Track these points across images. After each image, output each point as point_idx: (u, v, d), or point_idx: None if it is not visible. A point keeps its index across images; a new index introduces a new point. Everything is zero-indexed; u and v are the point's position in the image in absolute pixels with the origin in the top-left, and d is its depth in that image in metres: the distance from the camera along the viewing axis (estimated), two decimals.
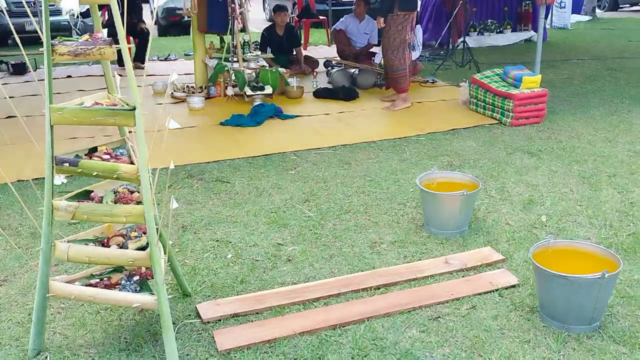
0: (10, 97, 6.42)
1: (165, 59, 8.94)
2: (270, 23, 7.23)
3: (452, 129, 4.85)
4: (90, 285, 2.17)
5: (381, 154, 4.31)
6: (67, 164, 2.00)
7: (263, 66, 6.08)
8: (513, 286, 2.55)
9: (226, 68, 5.98)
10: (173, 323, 2.36)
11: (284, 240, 3.05)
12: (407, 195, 3.55)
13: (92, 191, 2.18)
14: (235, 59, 6.03)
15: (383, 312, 2.38)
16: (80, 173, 2.03)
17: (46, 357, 2.17)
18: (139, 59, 8.29)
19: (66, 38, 1.95)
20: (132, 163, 2.10)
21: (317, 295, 2.51)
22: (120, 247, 2.15)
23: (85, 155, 2.10)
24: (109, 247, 2.14)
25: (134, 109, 1.98)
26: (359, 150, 4.42)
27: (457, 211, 2.97)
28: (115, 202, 2.12)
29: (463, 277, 2.65)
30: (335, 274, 2.71)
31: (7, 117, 5.56)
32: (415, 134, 4.76)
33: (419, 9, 6.79)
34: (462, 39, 7.45)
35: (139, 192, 2.16)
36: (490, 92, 5.01)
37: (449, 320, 2.33)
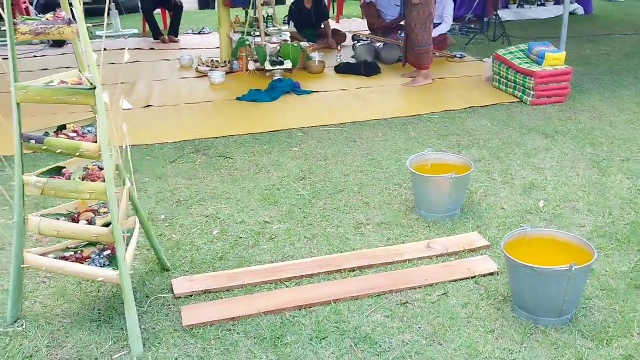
0: (44, 70, 6.65)
1: (199, 33, 9.00)
2: None
3: (469, 107, 4.71)
4: (64, 258, 2.25)
5: (389, 132, 4.24)
6: (33, 141, 2.06)
7: (285, 41, 6.04)
8: (492, 274, 2.49)
9: (247, 42, 5.97)
10: (147, 296, 2.44)
11: (272, 218, 3.06)
12: (405, 176, 3.49)
13: (65, 167, 2.24)
14: (257, 34, 6.01)
15: (352, 295, 2.37)
16: (45, 150, 2.08)
17: (22, 325, 2.27)
18: (173, 32, 8.39)
19: (28, 18, 1.99)
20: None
21: (290, 275, 2.52)
22: (89, 223, 2.21)
23: (54, 132, 2.15)
24: (78, 222, 2.21)
25: (94, 88, 2.00)
26: (368, 128, 4.36)
27: (447, 194, 2.90)
28: (84, 179, 2.17)
29: (443, 262, 2.60)
30: (314, 254, 2.71)
31: None
32: (429, 111, 4.65)
33: None
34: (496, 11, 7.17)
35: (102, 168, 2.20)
36: (513, 69, 4.83)
37: (417, 307, 2.30)
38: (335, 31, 7.45)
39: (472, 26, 7.70)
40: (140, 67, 6.67)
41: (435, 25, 6.55)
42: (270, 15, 6.25)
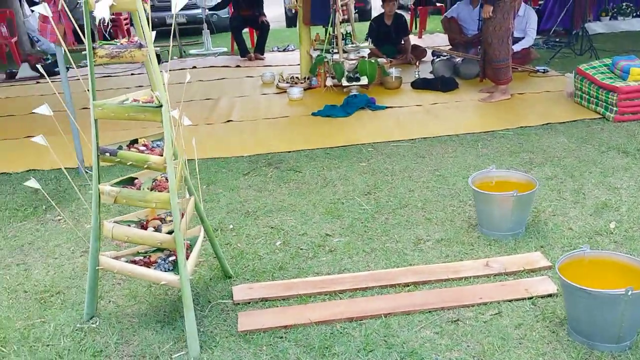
0: (138, 86, 7.14)
1: (284, 50, 9.30)
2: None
3: (546, 123, 4.57)
4: (134, 261, 2.44)
5: (459, 149, 4.20)
6: (108, 154, 2.27)
7: (362, 57, 6.13)
8: (550, 295, 2.42)
9: (325, 59, 6.12)
10: (209, 301, 2.59)
11: (333, 231, 3.13)
12: (470, 193, 3.44)
13: (137, 178, 2.44)
14: (335, 51, 6.15)
15: (403, 309, 2.39)
16: (118, 162, 2.28)
17: (96, 322, 2.48)
18: (259, 50, 8.74)
19: (105, 42, 2.20)
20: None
21: (344, 287, 2.58)
22: (156, 230, 2.38)
23: (127, 146, 2.35)
24: (146, 229, 2.39)
25: (161, 106, 2.17)
26: (438, 143, 4.34)
27: (509, 212, 2.85)
28: (152, 189, 2.36)
29: (500, 281, 2.56)
30: (371, 268, 2.75)
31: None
32: (503, 127, 4.55)
33: None
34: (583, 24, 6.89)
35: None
36: (595, 84, 4.63)
37: (468, 325, 2.29)
38: (415, 47, 7.46)
39: (558, 40, 7.43)
40: (226, 84, 7.01)
41: (518, 39, 6.44)
42: (349, 32, 6.37)
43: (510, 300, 2.41)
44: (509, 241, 2.88)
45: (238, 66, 8.12)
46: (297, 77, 6.60)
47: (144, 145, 2.35)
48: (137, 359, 2.24)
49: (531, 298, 2.41)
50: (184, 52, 9.39)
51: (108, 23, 2.05)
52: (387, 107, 5.40)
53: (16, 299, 2.69)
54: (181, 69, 8.19)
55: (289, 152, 4.41)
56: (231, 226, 3.28)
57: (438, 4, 9.18)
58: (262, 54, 8.74)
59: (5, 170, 4.29)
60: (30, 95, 6.63)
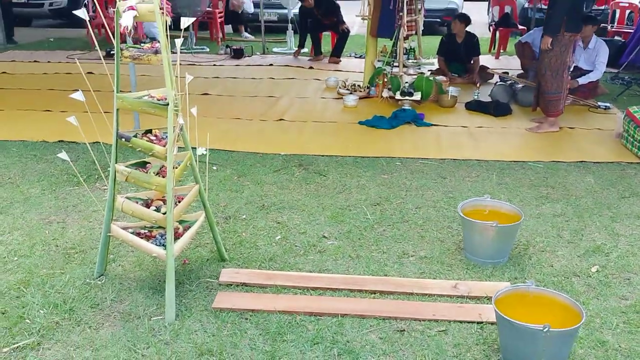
0: (215, 77, 7.69)
1: (360, 57, 9.55)
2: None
3: (580, 161, 4.55)
4: (138, 234, 2.83)
5: (483, 174, 4.30)
6: (124, 139, 2.67)
7: (422, 73, 6.29)
8: None
9: (384, 71, 6.34)
10: (198, 278, 2.93)
11: (331, 234, 3.39)
12: None
13: (149, 163, 2.83)
14: (396, 64, 6.35)
15: (359, 313, 2.62)
16: (131, 147, 2.67)
17: (102, 280, 2.90)
18: (336, 54, 9.06)
19: (132, 45, 2.59)
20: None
21: (316, 285, 2.84)
22: (157, 209, 2.76)
23: (142, 134, 2.74)
24: (149, 207, 2.77)
25: (167, 104, 2.53)
26: (465, 167, 4.46)
27: (490, 241, 2.98)
28: (157, 174, 2.73)
29: (460, 303, 2.72)
30: (349, 272, 2.99)
31: (203, 94, 6.71)
32: (535, 159, 4.59)
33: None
34: None
35: (175, 167, 2.74)
36: (639, 127, 4.55)
37: (412, 337, 2.48)
38: (483, 67, 7.48)
39: (627, 77, 7.18)
40: (293, 84, 7.39)
41: (586, 72, 6.33)
42: (413, 48, 6.54)
43: (460, 321, 2.57)
44: (487, 268, 3.01)
45: (311, 67, 8.48)
46: (359, 85, 6.85)
47: (155, 135, 2.72)
48: (124, 316, 2.63)
49: (481, 323, 2.56)
50: (267, 49, 9.89)
51: (131, 30, 2.42)
52: (432, 125, 5.54)
53: (47, 251, 3.18)
54: (259, 65, 8.69)
55: (322, 155, 4.69)
56: (244, 216, 3.62)
57: (520, 27, 9.06)
58: (339, 58, 9.05)
59: (74, 139, 4.88)
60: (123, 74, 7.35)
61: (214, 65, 8.63)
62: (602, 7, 10.21)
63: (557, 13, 4.98)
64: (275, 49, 10.07)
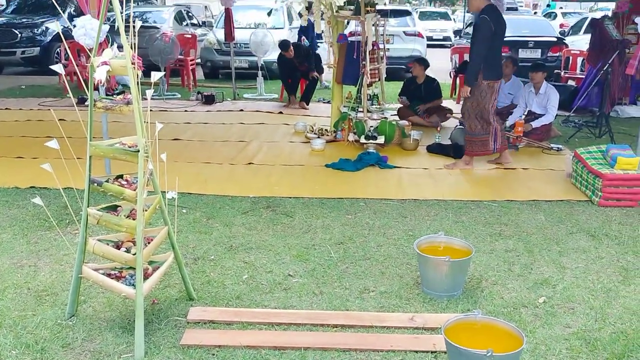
0: (187, 123, 7.88)
1: (328, 102, 9.87)
2: None
3: (533, 200, 4.82)
4: (109, 274, 2.95)
5: (441, 213, 4.53)
6: (96, 184, 2.82)
7: (385, 118, 6.59)
8: None
9: (349, 116, 6.62)
10: (166, 317, 3.05)
11: (296, 272, 3.55)
12: None
13: (120, 206, 2.97)
14: (360, 109, 6.64)
15: (321, 346, 2.76)
16: (102, 192, 2.82)
17: (73, 320, 2.99)
18: (305, 99, 9.37)
19: (104, 97, 2.78)
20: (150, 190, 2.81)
21: (281, 320, 2.98)
22: (127, 251, 2.89)
23: (114, 179, 2.89)
24: (119, 249, 2.90)
25: (138, 151, 2.70)
26: (425, 206, 4.69)
27: (444, 275, 3.18)
28: (128, 217, 2.88)
29: (416, 334, 2.89)
30: (313, 308, 3.14)
31: (174, 139, 6.88)
32: (491, 198, 4.85)
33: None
34: (607, 107, 7.07)
35: (145, 210, 2.89)
36: (586, 168, 4.86)
37: None
38: (441, 108, 7.83)
39: (578, 120, 7.61)
40: (263, 129, 7.62)
41: (539, 116, 6.72)
42: (376, 94, 6.86)
43: (416, 351, 2.73)
44: (442, 301, 3.19)
45: (280, 112, 8.75)
46: (326, 130, 7.11)
47: (126, 180, 2.88)
48: (94, 354, 2.72)
49: (435, 352, 2.72)
50: (238, 95, 10.16)
51: (104, 83, 2.61)
52: (395, 167, 5.79)
53: (19, 294, 3.26)
54: (230, 110, 8.93)
55: (289, 197, 4.88)
56: (212, 257, 3.76)
57: None
58: (307, 104, 9.36)
59: (46, 185, 4.98)
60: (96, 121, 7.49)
61: (185, 111, 8.84)
62: (557, 54, 10.80)
63: (473, 64, 5.42)
64: (245, 95, 10.35)
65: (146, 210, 2.88)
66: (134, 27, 2.64)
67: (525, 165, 5.87)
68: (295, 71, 9.36)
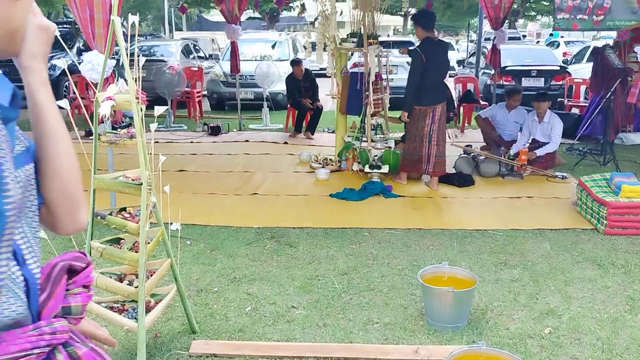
0: (192, 154, 7.95)
1: (332, 132, 9.94)
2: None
3: (538, 229, 4.80)
4: (111, 308, 2.95)
5: (446, 243, 4.52)
6: (99, 217, 2.84)
7: (389, 147, 6.62)
8: None
9: (353, 146, 6.66)
10: (169, 350, 3.03)
11: (300, 304, 3.53)
12: None
13: (123, 239, 2.99)
14: (364, 139, 6.68)
15: None
16: (106, 224, 2.84)
17: None
18: (310, 129, 9.44)
19: (109, 131, 2.82)
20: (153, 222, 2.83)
21: (284, 354, 2.96)
22: (129, 283, 2.89)
23: (117, 212, 2.91)
24: (122, 282, 2.91)
25: (141, 184, 2.73)
26: (429, 236, 4.67)
27: (448, 306, 3.15)
28: (130, 249, 2.89)
29: None
30: (316, 340, 3.12)
31: (179, 170, 6.93)
32: (496, 227, 4.83)
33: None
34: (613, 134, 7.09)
35: (148, 242, 2.90)
36: (591, 196, 4.85)
37: None
38: None
39: (582, 148, 7.61)
40: (268, 159, 7.67)
41: (543, 144, 6.73)
42: (379, 123, 6.90)
43: None
44: (447, 332, 3.16)
45: (286, 143, 8.80)
46: (330, 159, 7.15)
47: (129, 213, 2.90)
48: None
49: None
50: (243, 125, 10.25)
51: (108, 118, 2.65)
52: (399, 196, 5.80)
53: None
54: (236, 141, 9.00)
55: (294, 227, 4.88)
56: (216, 289, 3.75)
57: (483, 102, 9.59)
58: (313, 134, 9.42)
59: None
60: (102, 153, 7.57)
61: (191, 142, 8.91)
62: (560, 83, 10.87)
63: (407, 92, 5.96)
64: (251, 126, 10.44)
65: (149, 243, 2.90)
66: (138, 62, 2.69)
67: (530, 193, 5.86)
68: (300, 93, 9.47)
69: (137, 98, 2.68)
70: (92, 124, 2.80)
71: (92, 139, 2.84)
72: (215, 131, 9.60)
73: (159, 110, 2.75)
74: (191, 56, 14.54)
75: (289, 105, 9.83)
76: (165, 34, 33.61)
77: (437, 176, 6.07)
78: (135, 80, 2.69)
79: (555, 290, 3.67)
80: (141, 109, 2.71)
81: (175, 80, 10.24)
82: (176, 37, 25.86)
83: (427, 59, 5.75)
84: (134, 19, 2.72)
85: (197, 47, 15.63)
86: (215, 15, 32.56)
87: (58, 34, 1.35)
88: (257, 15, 31.72)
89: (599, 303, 3.50)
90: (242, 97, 11.07)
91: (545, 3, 25.91)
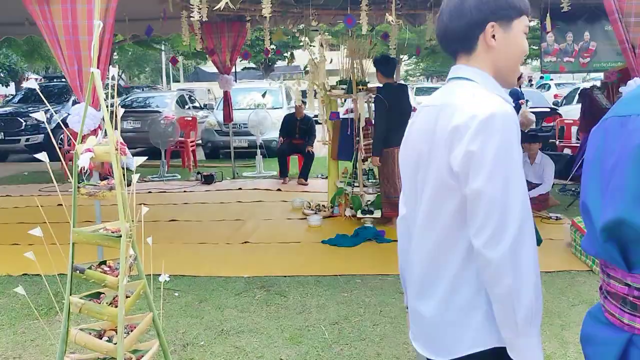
0: (185, 203, 7.91)
1: (325, 178, 9.93)
2: None
3: None
4: None
5: None
6: (78, 271, 2.77)
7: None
8: None
9: (345, 191, 6.63)
10: None
11: (289, 356, 3.42)
12: None
13: (103, 293, 2.91)
14: (357, 184, 6.66)
15: None
16: (85, 279, 2.77)
17: None
18: (303, 176, 9.44)
19: (88, 183, 2.78)
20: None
21: None
22: (109, 340, 2.80)
23: (97, 265, 2.85)
24: (101, 338, 2.81)
25: (120, 236, 2.67)
26: None
27: None
28: (110, 304, 2.81)
29: None
30: None
31: (171, 220, 6.87)
32: None
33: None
34: None
35: (128, 296, 2.82)
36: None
37: None
38: None
39: (576, 188, 7.59)
40: (260, 206, 7.62)
41: (536, 186, 6.70)
42: (371, 168, 6.89)
43: None
44: None
45: (279, 190, 8.78)
46: (323, 205, 7.10)
47: (109, 266, 2.83)
48: None
49: None
50: (237, 173, 10.25)
51: (87, 171, 2.62)
52: (392, 241, 5.72)
53: None
54: (229, 189, 8.98)
55: (284, 276, 4.79)
56: (202, 342, 3.64)
57: None
58: (306, 180, 9.41)
59: (38, 272, 4.92)
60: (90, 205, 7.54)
61: (185, 191, 8.89)
62: (551, 124, 10.95)
63: (375, 137, 6.14)
64: (245, 173, 10.44)
65: (128, 297, 2.82)
66: (117, 113, 2.68)
67: None
68: (294, 132, 9.55)
69: (117, 149, 2.66)
70: (71, 177, 2.76)
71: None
72: (208, 180, 9.60)
73: (138, 161, 2.72)
74: (186, 106, 14.69)
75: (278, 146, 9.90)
76: (162, 85, 34.04)
77: None
78: (115, 131, 2.68)
79: (552, 336, 3.57)
80: (120, 160, 2.68)
81: (169, 130, 10.30)
82: (173, 88, 26.26)
83: (390, 103, 5.96)
84: (113, 71, 2.72)
85: (192, 98, 15.83)
86: (211, 66, 33.20)
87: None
88: (252, 65, 32.33)
89: None
90: (236, 146, 11.13)
91: (535, 47, 26.46)
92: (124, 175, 2.89)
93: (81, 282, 2.78)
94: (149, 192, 8.73)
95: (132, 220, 2.78)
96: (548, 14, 7.47)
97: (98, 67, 4.26)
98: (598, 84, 9.09)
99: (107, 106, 2.70)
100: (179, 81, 36.77)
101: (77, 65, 4.53)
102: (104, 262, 2.86)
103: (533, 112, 11.31)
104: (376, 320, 3.88)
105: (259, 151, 10.46)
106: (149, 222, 6.25)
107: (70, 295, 2.81)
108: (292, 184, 9.24)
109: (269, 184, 9.34)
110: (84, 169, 2.61)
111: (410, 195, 1.69)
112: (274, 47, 16.75)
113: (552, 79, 23.26)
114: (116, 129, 2.66)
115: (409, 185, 1.69)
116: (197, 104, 15.71)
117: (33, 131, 12.60)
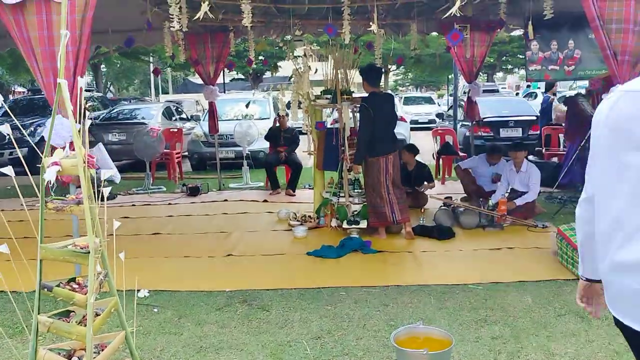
0: (169, 216, 7.79)
1: (311, 188, 9.86)
2: None
3: (519, 281, 4.65)
4: None
5: (425, 299, 4.35)
6: (46, 289, 2.67)
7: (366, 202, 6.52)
8: None
9: (331, 202, 6.55)
10: None
11: None
12: None
13: (73, 311, 2.80)
14: (342, 194, 6.58)
15: None
16: (53, 297, 2.67)
17: None
18: (290, 187, 9.35)
19: (55, 197, 2.69)
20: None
21: None
22: (79, 359, 2.69)
23: (66, 283, 2.75)
24: (70, 358, 2.71)
25: (88, 252, 2.58)
26: (407, 293, 4.51)
27: None
28: (79, 323, 2.70)
29: None
30: None
31: (154, 234, 6.75)
32: (476, 281, 4.68)
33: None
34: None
35: (99, 314, 2.72)
36: (570, 245, 4.74)
37: None
38: (422, 193, 7.74)
39: (561, 197, 7.57)
40: (245, 218, 7.53)
41: (522, 194, 6.66)
42: (357, 178, 6.82)
43: None
44: None
45: (265, 201, 8.68)
46: (309, 216, 7.02)
47: (78, 283, 2.73)
48: None
49: None
50: (224, 185, 10.15)
51: (54, 184, 2.53)
52: (377, 252, 5.65)
53: None
54: (214, 201, 8.87)
55: (267, 289, 4.69)
56: None
57: (462, 154, 9.61)
58: (294, 191, 9.32)
59: (16, 289, 4.79)
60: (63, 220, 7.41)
61: (169, 204, 8.76)
62: (537, 132, 10.95)
63: (359, 146, 6.10)
64: (231, 185, 10.33)
65: (99, 315, 2.72)
66: (84, 125, 2.60)
67: (510, 244, 5.74)
68: (278, 141, 9.54)
69: (85, 162, 2.57)
70: (39, 192, 2.67)
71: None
72: (194, 192, 9.48)
73: (105, 174, 2.63)
74: (173, 118, 14.58)
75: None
76: (151, 97, 33.90)
77: (405, 222, 6.14)
78: (83, 143, 2.59)
79: (538, 347, 3.50)
80: (89, 174, 2.59)
81: (155, 142, 10.19)
82: (162, 99, 26.12)
83: (375, 112, 5.96)
84: (82, 82, 2.65)
85: (179, 109, 15.71)
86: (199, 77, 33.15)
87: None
88: (241, 76, 32.29)
89: (583, 359, 3.32)
90: (223, 157, 11.03)
91: (521, 57, 26.61)
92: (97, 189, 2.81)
93: (58, 300, 2.67)
94: (133, 205, 8.60)
95: (102, 236, 2.69)
96: (530, 22, 7.47)
97: (75, 78, 4.19)
98: (583, 91, 9.10)
99: (81, 118, 2.62)
100: (167, 93, 36.63)
101: (52, 77, 4.43)
102: (73, 279, 2.77)
103: (519, 120, 11.37)
104: (359, 334, 3.79)
105: (245, 162, 10.38)
106: (130, 236, 6.23)
107: (39, 314, 2.71)
108: (279, 195, 9.15)
109: (255, 195, 9.25)
110: (50, 183, 2.52)
111: (601, 176, 1.67)
112: (262, 58, 16.66)
113: (539, 88, 23.37)
114: (84, 142, 2.58)
115: (601, 165, 1.67)
116: (184, 116, 15.59)
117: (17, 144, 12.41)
